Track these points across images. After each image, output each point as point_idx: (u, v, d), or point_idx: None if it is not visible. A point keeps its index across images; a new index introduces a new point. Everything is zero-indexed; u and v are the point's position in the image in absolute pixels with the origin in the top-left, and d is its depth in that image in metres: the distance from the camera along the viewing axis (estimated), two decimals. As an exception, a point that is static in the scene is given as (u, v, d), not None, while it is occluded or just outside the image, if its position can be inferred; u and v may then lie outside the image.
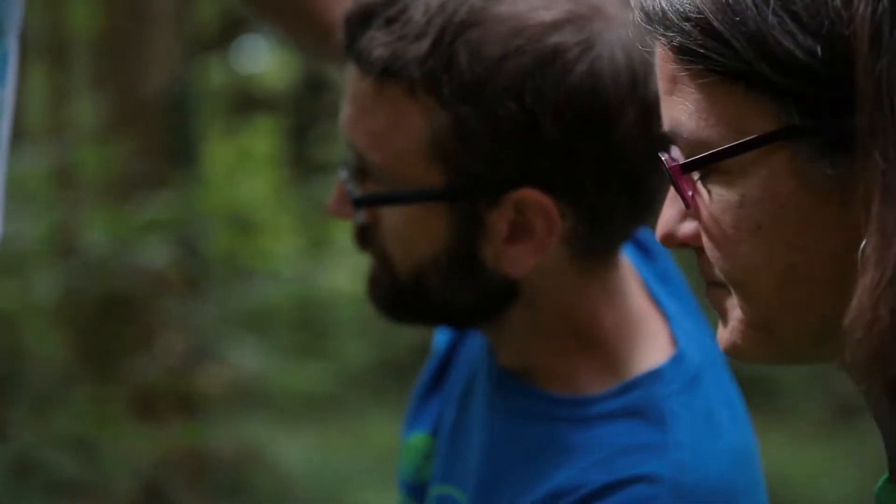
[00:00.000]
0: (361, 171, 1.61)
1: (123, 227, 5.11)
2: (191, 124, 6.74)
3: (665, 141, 1.19)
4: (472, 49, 1.50)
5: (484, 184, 1.53)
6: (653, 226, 1.68)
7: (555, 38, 1.50)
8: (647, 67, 1.52)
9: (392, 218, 1.57)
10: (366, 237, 1.63)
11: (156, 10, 6.37)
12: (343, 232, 8.63)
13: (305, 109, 11.34)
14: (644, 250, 1.71)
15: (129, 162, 5.60)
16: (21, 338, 5.15)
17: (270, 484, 9.65)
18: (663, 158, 1.17)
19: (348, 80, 1.60)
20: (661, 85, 1.17)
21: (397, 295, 1.61)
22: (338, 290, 7.92)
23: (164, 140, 6.25)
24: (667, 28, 1.13)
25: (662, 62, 1.16)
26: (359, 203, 1.60)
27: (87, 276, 4.90)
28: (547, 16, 1.51)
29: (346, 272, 7.95)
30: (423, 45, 1.51)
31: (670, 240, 1.21)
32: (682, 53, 1.13)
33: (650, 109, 1.51)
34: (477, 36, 1.50)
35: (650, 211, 1.58)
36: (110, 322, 5.41)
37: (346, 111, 1.60)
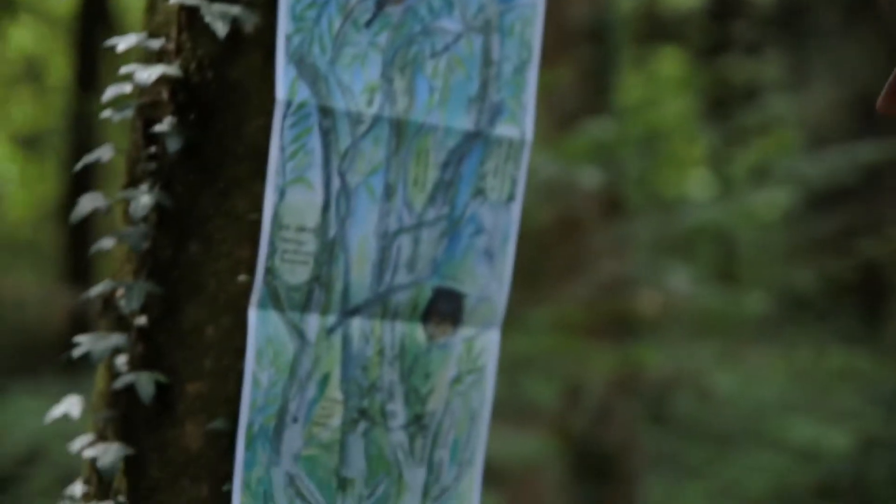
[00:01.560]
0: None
1: (561, 152, 5.20)
2: (611, 52, 6.77)
3: None
4: None
5: None
6: None
7: None
8: None
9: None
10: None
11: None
12: (757, 157, 8.51)
13: (713, 35, 11.17)
14: None
15: (563, 89, 5.68)
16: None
17: (698, 409, 9.68)
18: None
19: None
20: None
21: None
22: (756, 216, 7.83)
23: (589, 68, 6.30)
24: None
25: None
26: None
27: (534, 198, 5.01)
28: None
29: (761, 198, 7.84)
30: None
31: None
32: None
33: None
34: None
35: None
36: (552, 243, 5.52)
37: None
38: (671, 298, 5.79)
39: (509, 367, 6.56)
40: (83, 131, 10.28)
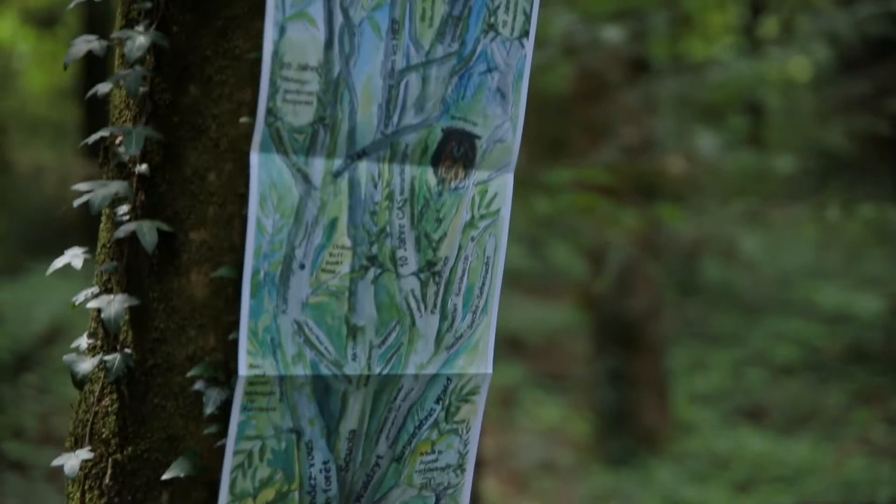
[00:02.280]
0: None
1: (583, 10, 5.07)
2: None
3: None
4: None
5: None
6: None
7: None
8: None
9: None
10: None
11: None
12: (787, 10, 8.34)
13: None
14: None
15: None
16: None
17: (726, 276, 9.62)
18: None
19: None
20: None
21: None
22: (785, 75, 7.69)
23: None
24: None
25: None
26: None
27: (556, 58, 4.89)
28: None
29: (791, 56, 7.69)
30: None
31: None
32: None
33: None
34: None
35: None
36: (576, 108, 5.42)
37: None
38: (698, 162, 5.69)
39: (534, 232, 6.49)
40: (95, 6, 10.15)
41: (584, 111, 5.57)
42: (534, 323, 11.55)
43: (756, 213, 5.72)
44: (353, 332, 1.80)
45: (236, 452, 1.74)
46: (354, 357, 1.80)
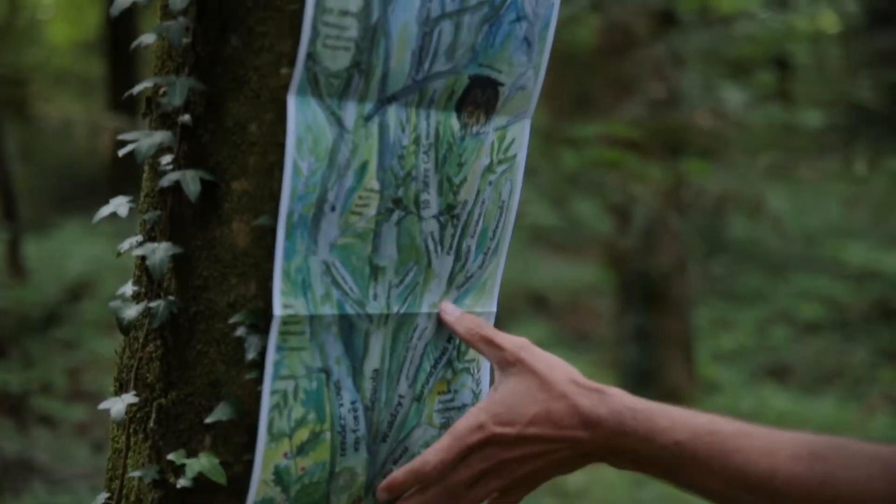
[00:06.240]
0: None
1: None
2: None
3: None
4: None
5: None
6: None
7: None
8: None
9: None
10: None
11: None
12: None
13: None
14: None
15: None
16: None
17: (752, 233, 9.58)
18: None
19: None
20: None
21: None
22: (813, 26, 7.64)
23: None
24: None
25: None
26: None
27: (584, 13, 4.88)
28: None
29: (818, 14, 7.66)
30: None
31: None
32: None
33: None
34: None
35: None
36: (603, 63, 5.41)
37: None
38: (725, 117, 5.68)
39: (559, 189, 6.48)
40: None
41: (611, 65, 5.57)
42: (558, 281, 11.57)
43: (783, 168, 5.69)
44: (375, 272, 1.84)
45: (273, 392, 1.78)
46: (375, 296, 1.84)
